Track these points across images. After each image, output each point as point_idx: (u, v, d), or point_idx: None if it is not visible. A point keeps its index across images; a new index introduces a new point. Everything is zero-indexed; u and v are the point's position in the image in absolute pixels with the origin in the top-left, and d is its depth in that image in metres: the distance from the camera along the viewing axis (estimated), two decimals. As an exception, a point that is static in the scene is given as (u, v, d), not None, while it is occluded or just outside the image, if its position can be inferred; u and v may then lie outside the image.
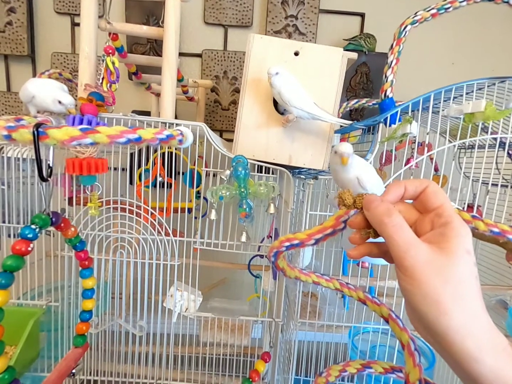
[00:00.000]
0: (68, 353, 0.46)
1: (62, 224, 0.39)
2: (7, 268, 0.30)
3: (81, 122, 0.48)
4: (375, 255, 0.26)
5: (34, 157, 0.61)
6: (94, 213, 0.53)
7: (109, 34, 0.59)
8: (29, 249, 0.31)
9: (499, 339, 0.20)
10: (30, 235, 0.32)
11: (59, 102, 0.46)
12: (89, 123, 0.48)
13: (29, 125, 0.33)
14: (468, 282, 0.20)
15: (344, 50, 0.62)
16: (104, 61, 0.54)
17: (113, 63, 0.55)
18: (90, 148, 0.50)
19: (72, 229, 0.41)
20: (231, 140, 0.67)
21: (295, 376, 0.70)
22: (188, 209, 0.72)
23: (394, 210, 0.23)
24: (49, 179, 0.35)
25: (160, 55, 1.06)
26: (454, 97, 0.56)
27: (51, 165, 0.36)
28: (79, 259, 0.46)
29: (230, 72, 1.09)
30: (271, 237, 0.69)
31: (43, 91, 0.47)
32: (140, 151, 0.67)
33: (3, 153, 0.63)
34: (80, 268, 0.47)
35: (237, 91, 1.11)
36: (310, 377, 0.80)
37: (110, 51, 0.54)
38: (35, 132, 0.32)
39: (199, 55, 1.08)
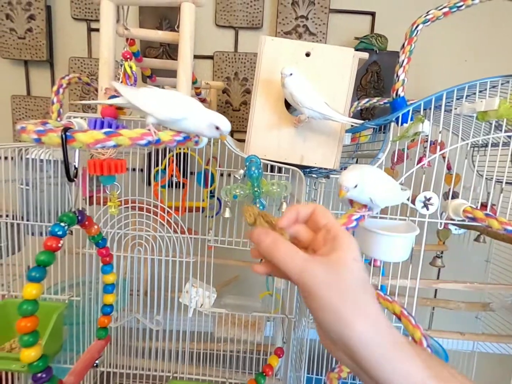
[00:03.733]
0: (91, 345, 0.48)
1: (87, 222, 0.41)
2: (41, 263, 0.32)
3: (102, 125, 0.50)
4: (279, 275, 0.26)
5: (56, 158, 0.64)
6: (114, 212, 0.55)
7: (126, 39, 0.61)
8: (59, 245, 0.34)
9: (398, 337, 0.21)
10: (59, 232, 0.34)
11: (216, 128, 0.38)
12: (109, 125, 0.51)
13: (57, 129, 0.36)
14: (362, 288, 0.22)
15: (355, 48, 0.63)
16: (122, 66, 0.56)
17: (130, 67, 0.57)
18: (110, 150, 0.52)
19: (95, 227, 0.43)
20: (242, 140, 0.68)
21: (307, 375, 0.70)
22: (201, 208, 0.74)
23: (280, 240, 0.24)
24: (75, 179, 0.37)
25: (173, 58, 1.09)
26: (467, 95, 0.56)
27: (77, 166, 0.38)
28: (101, 255, 0.48)
29: (241, 73, 1.10)
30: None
31: (198, 114, 0.39)
32: (155, 151, 0.69)
33: (27, 154, 0.66)
34: (101, 264, 0.49)
35: (248, 92, 1.12)
36: (322, 376, 0.80)
37: (128, 56, 0.56)
38: (63, 136, 0.34)
39: (211, 57, 1.09)
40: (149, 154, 0.72)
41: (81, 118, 0.54)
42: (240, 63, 1.10)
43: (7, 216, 0.64)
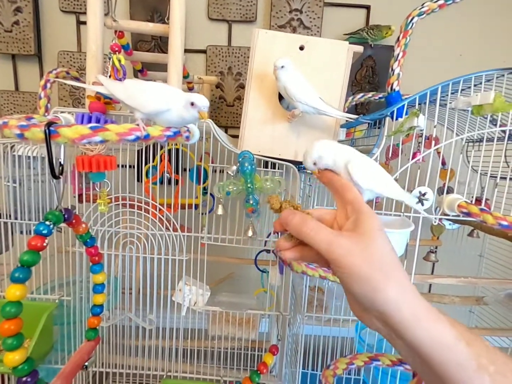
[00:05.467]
0: (81, 346, 0.47)
1: (74, 221, 0.40)
2: (24, 263, 0.31)
3: (89, 120, 0.49)
4: (309, 258, 0.27)
5: (44, 155, 0.62)
6: (104, 210, 0.54)
7: (115, 32, 0.59)
8: (44, 244, 0.32)
9: (425, 301, 0.22)
10: (44, 231, 0.33)
11: (192, 104, 0.37)
12: (98, 120, 0.49)
13: (40, 124, 0.34)
14: (389, 255, 0.23)
15: (348, 40, 0.62)
16: (111, 59, 0.55)
17: (119, 60, 0.55)
18: (99, 146, 0.51)
19: (83, 225, 0.42)
20: (236, 136, 0.67)
21: (302, 370, 0.70)
22: (194, 205, 0.73)
23: (307, 217, 0.26)
24: (60, 176, 0.36)
25: (165, 52, 1.07)
26: (462, 89, 0.55)
27: (62, 163, 0.37)
28: (90, 254, 0.47)
29: (235, 67, 1.09)
30: (277, 232, 0.70)
31: (175, 98, 0.38)
32: (147, 148, 0.68)
33: (14, 151, 0.64)
34: (90, 264, 0.48)
35: (242, 87, 1.11)
36: (317, 371, 0.80)
37: (117, 49, 0.55)
38: (47, 131, 0.33)
39: (204, 51, 1.08)
40: (141, 151, 0.70)
41: (69, 113, 0.52)
42: (233, 57, 1.08)
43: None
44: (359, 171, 0.30)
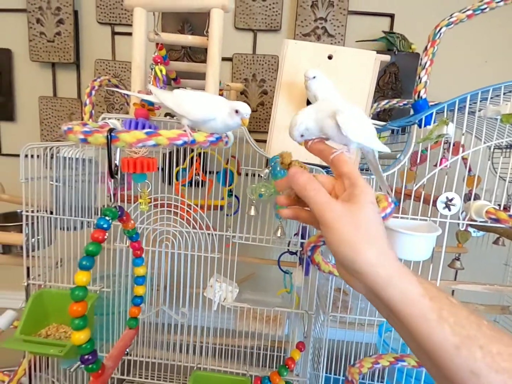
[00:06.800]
0: (124, 333, 0.51)
1: (125, 217, 0.44)
2: (89, 253, 0.35)
3: (136, 126, 0.53)
4: (303, 220, 0.30)
5: (90, 157, 0.67)
6: (144, 208, 0.58)
7: (156, 44, 0.64)
8: (105, 237, 0.36)
9: (402, 266, 0.25)
10: (105, 225, 0.37)
11: (236, 111, 0.40)
12: (143, 126, 0.54)
13: (103, 130, 0.38)
14: (375, 225, 0.25)
15: (376, 41, 0.63)
16: (153, 70, 0.59)
17: (161, 71, 0.59)
18: (143, 149, 0.55)
19: (132, 222, 0.46)
20: (259, 141, 0.70)
21: (326, 374, 0.71)
22: (224, 206, 0.76)
23: (312, 178, 0.28)
24: (117, 176, 0.40)
25: (194, 61, 1.12)
26: (491, 98, 0.56)
27: (117, 164, 0.41)
28: (134, 248, 0.51)
29: (259, 74, 1.13)
30: (300, 234, 0.72)
31: (221, 107, 0.41)
32: (176, 151, 0.72)
33: (57, 153, 0.69)
34: (133, 257, 0.52)
35: (265, 93, 1.14)
36: (340, 375, 0.80)
37: (159, 60, 0.59)
38: (109, 136, 0.37)
39: (230, 59, 1.12)
40: (167, 154, 0.74)
41: (115, 119, 0.57)
42: (258, 65, 1.12)
43: (46, 211, 0.68)
44: (349, 124, 0.30)
